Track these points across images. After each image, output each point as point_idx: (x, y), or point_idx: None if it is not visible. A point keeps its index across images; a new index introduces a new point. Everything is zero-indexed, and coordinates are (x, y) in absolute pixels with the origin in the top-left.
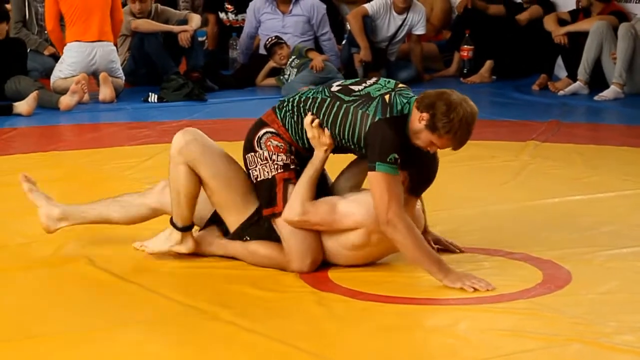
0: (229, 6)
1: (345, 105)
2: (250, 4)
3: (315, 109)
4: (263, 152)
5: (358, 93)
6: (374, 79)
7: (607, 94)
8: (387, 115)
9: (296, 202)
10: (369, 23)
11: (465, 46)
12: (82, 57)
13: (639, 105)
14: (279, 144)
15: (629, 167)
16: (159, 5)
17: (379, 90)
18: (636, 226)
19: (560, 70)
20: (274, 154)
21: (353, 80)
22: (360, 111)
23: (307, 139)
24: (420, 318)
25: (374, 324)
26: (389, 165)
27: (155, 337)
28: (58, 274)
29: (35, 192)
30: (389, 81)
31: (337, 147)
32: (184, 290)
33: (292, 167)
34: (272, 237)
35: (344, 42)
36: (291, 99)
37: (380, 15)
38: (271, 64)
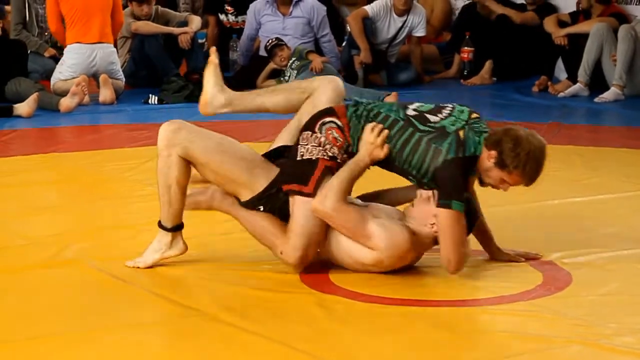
0: (229, 8)
1: (418, 134)
2: (251, 5)
3: (386, 127)
4: (320, 137)
5: (433, 125)
6: (449, 109)
7: (607, 95)
8: (460, 155)
9: (332, 195)
10: (369, 25)
11: (466, 48)
12: (83, 58)
13: (639, 107)
14: (338, 137)
15: (630, 168)
16: (159, 7)
17: (453, 125)
18: (637, 228)
19: (561, 72)
20: (329, 143)
21: (429, 107)
22: (433, 145)
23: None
24: (421, 320)
25: (374, 326)
26: (461, 204)
27: (155, 339)
28: (58, 275)
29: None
30: (462, 111)
31: (390, 165)
32: (184, 291)
33: (338, 161)
34: (284, 211)
35: (344, 44)
36: (366, 105)
37: (381, 17)
38: (271, 65)
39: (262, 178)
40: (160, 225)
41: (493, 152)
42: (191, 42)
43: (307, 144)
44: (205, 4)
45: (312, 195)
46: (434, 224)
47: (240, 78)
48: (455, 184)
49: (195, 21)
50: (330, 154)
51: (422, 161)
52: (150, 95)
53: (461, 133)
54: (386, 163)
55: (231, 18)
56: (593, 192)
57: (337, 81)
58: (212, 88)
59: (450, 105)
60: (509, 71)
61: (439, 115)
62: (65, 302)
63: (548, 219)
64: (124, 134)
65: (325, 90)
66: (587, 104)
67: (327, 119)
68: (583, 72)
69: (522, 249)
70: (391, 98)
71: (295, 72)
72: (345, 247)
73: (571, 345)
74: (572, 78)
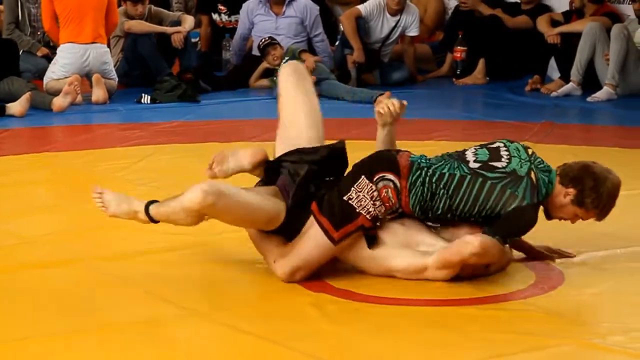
0: (222, 7)
1: (489, 182)
2: (244, 5)
3: (453, 187)
4: (373, 191)
5: (503, 170)
6: (504, 149)
7: (600, 95)
8: (535, 201)
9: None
10: (362, 24)
11: (459, 47)
12: (75, 58)
13: (632, 107)
14: (391, 198)
15: (622, 168)
16: (152, 6)
17: (521, 167)
18: (629, 227)
19: (553, 71)
20: (379, 201)
21: (487, 154)
22: (509, 190)
23: (424, 213)
24: (414, 319)
25: (368, 325)
26: (504, 242)
27: (150, 339)
28: (51, 275)
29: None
30: (517, 149)
31: (431, 216)
32: (179, 291)
33: (378, 223)
34: (298, 223)
35: (337, 43)
36: (427, 170)
37: (374, 16)
38: (264, 65)
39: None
40: (147, 207)
41: (572, 190)
42: (184, 42)
43: (359, 192)
44: (198, 4)
45: (334, 241)
46: None
47: (233, 77)
48: (517, 229)
49: (189, 20)
50: (374, 214)
51: (494, 206)
52: (143, 94)
53: (533, 176)
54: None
55: (224, 17)
56: None
57: (293, 65)
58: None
59: (500, 144)
60: (502, 71)
61: (502, 160)
62: (58, 301)
63: (541, 219)
64: (116, 133)
65: (285, 80)
66: (579, 103)
67: (388, 176)
68: (576, 72)
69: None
70: (384, 97)
71: None
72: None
73: (564, 345)
74: (565, 77)
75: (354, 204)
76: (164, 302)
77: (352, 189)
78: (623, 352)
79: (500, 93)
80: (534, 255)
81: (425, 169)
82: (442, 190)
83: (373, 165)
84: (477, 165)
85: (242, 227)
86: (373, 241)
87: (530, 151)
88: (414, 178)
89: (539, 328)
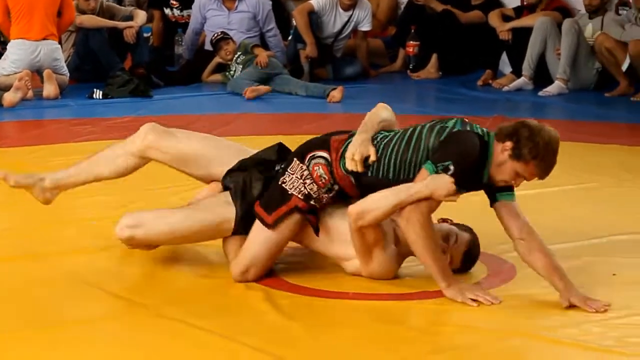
0: (174, 2)
1: (419, 126)
2: (196, 0)
3: (385, 142)
4: (304, 170)
5: (433, 121)
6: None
7: (551, 89)
8: (468, 129)
9: (373, 216)
10: (314, 19)
11: (411, 42)
12: (26, 54)
13: (583, 101)
14: (323, 175)
15: (572, 161)
16: (104, 1)
17: (452, 120)
18: (578, 220)
19: (505, 66)
20: (311, 180)
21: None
22: (438, 126)
23: (357, 179)
24: (367, 313)
25: (318, 319)
26: (430, 167)
27: (103, 334)
28: (3, 271)
29: (20, 180)
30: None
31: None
32: (131, 287)
33: (312, 202)
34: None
35: (290, 38)
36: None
37: (326, 11)
38: (217, 60)
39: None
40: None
41: (508, 143)
42: (136, 37)
43: (292, 174)
44: None
45: (270, 226)
46: None
47: (185, 72)
48: (451, 152)
49: (141, 15)
50: (306, 192)
51: (426, 144)
52: (95, 89)
53: (465, 119)
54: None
55: (176, 12)
56: (536, 186)
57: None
58: (35, 185)
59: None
60: (455, 65)
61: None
62: (11, 298)
63: (491, 213)
64: (68, 128)
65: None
66: (531, 97)
67: (318, 153)
68: (527, 66)
69: None
70: (337, 92)
71: (241, 66)
72: (336, 250)
73: (515, 337)
74: (517, 72)
75: (286, 186)
76: (116, 298)
77: (286, 173)
78: (575, 345)
79: (453, 87)
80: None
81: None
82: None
83: (304, 148)
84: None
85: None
86: (316, 228)
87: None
88: (345, 146)
89: (489, 321)
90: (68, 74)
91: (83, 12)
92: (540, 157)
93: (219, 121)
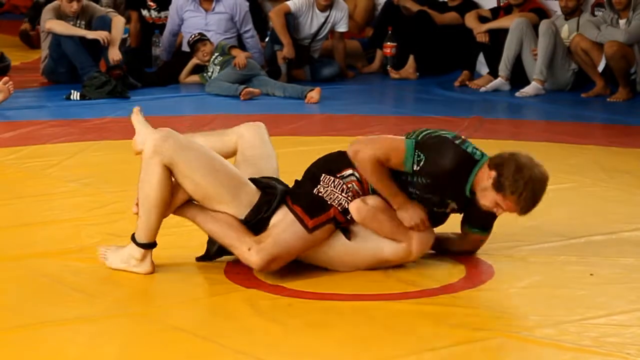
0: (152, 3)
1: (419, 129)
2: (173, 1)
3: None
4: (342, 185)
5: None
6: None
7: (528, 90)
8: (457, 142)
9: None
10: (291, 20)
11: (388, 43)
12: None
13: (560, 102)
14: (358, 191)
15: (550, 162)
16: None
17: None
18: (557, 221)
19: (482, 67)
20: (349, 194)
21: None
22: (431, 130)
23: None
24: (345, 314)
25: (299, 320)
26: (414, 155)
27: (79, 336)
28: None
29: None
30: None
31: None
32: (108, 288)
33: (349, 217)
34: (266, 215)
35: (267, 39)
36: None
37: (303, 12)
38: (194, 61)
39: (246, 200)
40: (132, 238)
41: (493, 173)
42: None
43: (327, 188)
44: (127, 0)
45: (308, 229)
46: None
47: (163, 74)
48: (434, 147)
49: (118, 26)
50: (345, 205)
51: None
52: (72, 91)
53: (463, 136)
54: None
55: (153, 13)
56: None
57: (259, 126)
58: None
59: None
60: (432, 66)
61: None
62: None
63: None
64: (45, 130)
65: (248, 130)
66: (508, 98)
67: (349, 172)
68: (504, 67)
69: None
70: (315, 93)
71: (218, 67)
72: (370, 247)
73: (493, 338)
74: (494, 73)
75: (324, 197)
76: (92, 299)
77: (319, 185)
78: (552, 345)
79: (430, 88)
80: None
81: None
82: None
83: (332, 164)
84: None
85: (200, 192)
86: (348, 232)
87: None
88: None
89: (467, 321)
90: None
91: (65, 15)
92: (519, 194)
93: (197, 122)
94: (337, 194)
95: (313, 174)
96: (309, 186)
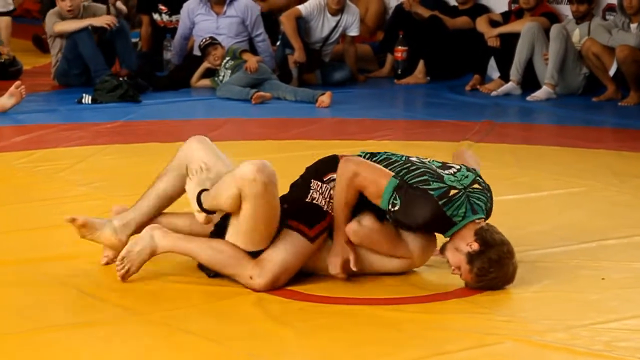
0: (163, 7)
1: (416, 166)
2: (184, 5)
3: (384, 164)
4: (328, 191)
5: (433, 169)
6: (455, 169)
7: (539, 94)
8: (440, 203)
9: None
10: (302, 24)
11: (399, 47)
12: None
13: (571, 106)
14: None
15: (560, 167)
16: (84, 3)
17: (452, 182)
18: (568, 225)
19: (493, 71)
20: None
21: (436, 162)
22: (425, 177)
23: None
24: (356, 318)
25: (309, 324)
26: (391, 196)
27: (91, 339)
28: None
29: (94, 233)
30: (466, 176)
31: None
32: (119, 292)
33: None
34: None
35: (278, 43)
36: (370, 157)
37: (314, 16)
38: (205, 65)
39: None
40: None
41: (475, 245)
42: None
43: (319, 195)
44: (138, 3)
45: (311, 240)
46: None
47: (174, 78)
48: (412, 198)
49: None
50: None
51: (407, 178)
52: (84, 94)
53: (453, 192)
54: None
55: (165, 17)
56: (524, 190)
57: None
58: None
59: (457, 167)
60: (443, 70)
61: (443, 169)
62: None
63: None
64: (57, 133)
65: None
66: (519, 102)
67: (334, 176)
68: (515, 71)
69: None
70: (326, 97)
71: (230, 71)
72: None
73: (505, 342)
74: (505, 77)
75: (319, 203)
76: (103, 303)
77: (311, 191)
78: (564, 349)
79: (441, 92)
80: None
81: (369, 155)
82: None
83: (319, 169)
84: (414, 158)
85: (250, 227)
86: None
87: (475, 186)
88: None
89: (478, 326)
90: None
91: (66, 16)
92: (481, 279)
93: (208, 126)
94: (326, 200)
95: (303, 180)
96: (302, 193)
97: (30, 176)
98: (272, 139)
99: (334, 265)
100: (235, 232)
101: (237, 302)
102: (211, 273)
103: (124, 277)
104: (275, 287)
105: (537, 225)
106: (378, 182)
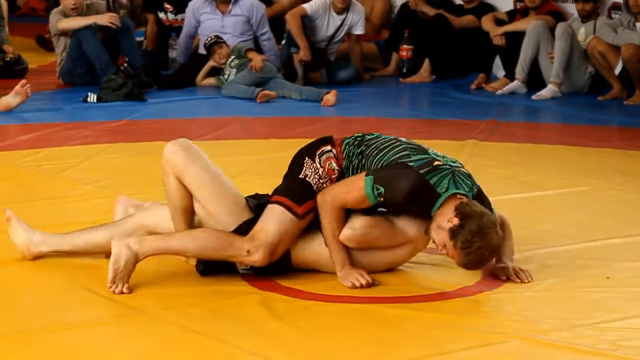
0: (169, 6)
1: (399, 142)
2: (190, 3)
3: (373, 140)
4: (319, 168)
5: (418, 145)
6: (443, 154)
7: (544, 93)
8: (421, 172)
9: (358, 219)
10: (307, 23)
11: (405, 46)
12: None
13: (576, 104)
14: (335, 168)
15: (565, 166)
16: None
17: (436, 158)
18: (573, 224)
19: (498, 69)
20: (326, 176)
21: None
22: (407, 152)
23: (352, 171)
24: (360, 317)
25: (314, 323)
26: (373, 189)
27: (98, 338)
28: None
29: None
30: (454, 160)
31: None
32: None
33: None
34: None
35: (283, 42)
36: (362, 135)
37: (319, 15)
38: (211, 63)
39: (246, 216)
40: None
41: (455, 220)
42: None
43: (309, 172)
44: (144, 2)
45: (298, 216)
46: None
47: (179, 76)
48: (388, 179)
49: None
50: (324, 187)
51: (387, 157)
52: (89, 93)
53: (437, 163)
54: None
55: (170, 16)
56: (530, 189)
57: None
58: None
59: (448, 156)
60: (448, 69)
61: (431, 149)
62: (5, 302)
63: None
64: (62, 132)
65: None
66: (524, 101)
67: (326, 148)
68: (520, 70)
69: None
70: (331, 96)
71: (235, 70)
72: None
73: (509, 341)
74: (510, 76)
75: (310, 181)
76: (111, 302)
77: (304, 168)
78: (569, 348)
79: (446, 91)
80: (498, 270)
81: (361, 136)
82: (365, 146)
83: (311, 147)
84: (405, 139)
85: (203, 210)
86: None
87: (463, 170)
88: (348, 140)
89: (482, 324)
90: None
91: (69, 14)
92: (467, 252)
93: (213, 125)
94: (316, 177)
95: (297, 160)
96: (295, 173)
97: (35, 175)
98: (277, 137)
99: (351, 285)
100: (205, 213)
101: (243, 301)
102: (200, 267)
103: (121, 293)
104: (274, 258)
105: (542, 224)
106: (355, 188)
